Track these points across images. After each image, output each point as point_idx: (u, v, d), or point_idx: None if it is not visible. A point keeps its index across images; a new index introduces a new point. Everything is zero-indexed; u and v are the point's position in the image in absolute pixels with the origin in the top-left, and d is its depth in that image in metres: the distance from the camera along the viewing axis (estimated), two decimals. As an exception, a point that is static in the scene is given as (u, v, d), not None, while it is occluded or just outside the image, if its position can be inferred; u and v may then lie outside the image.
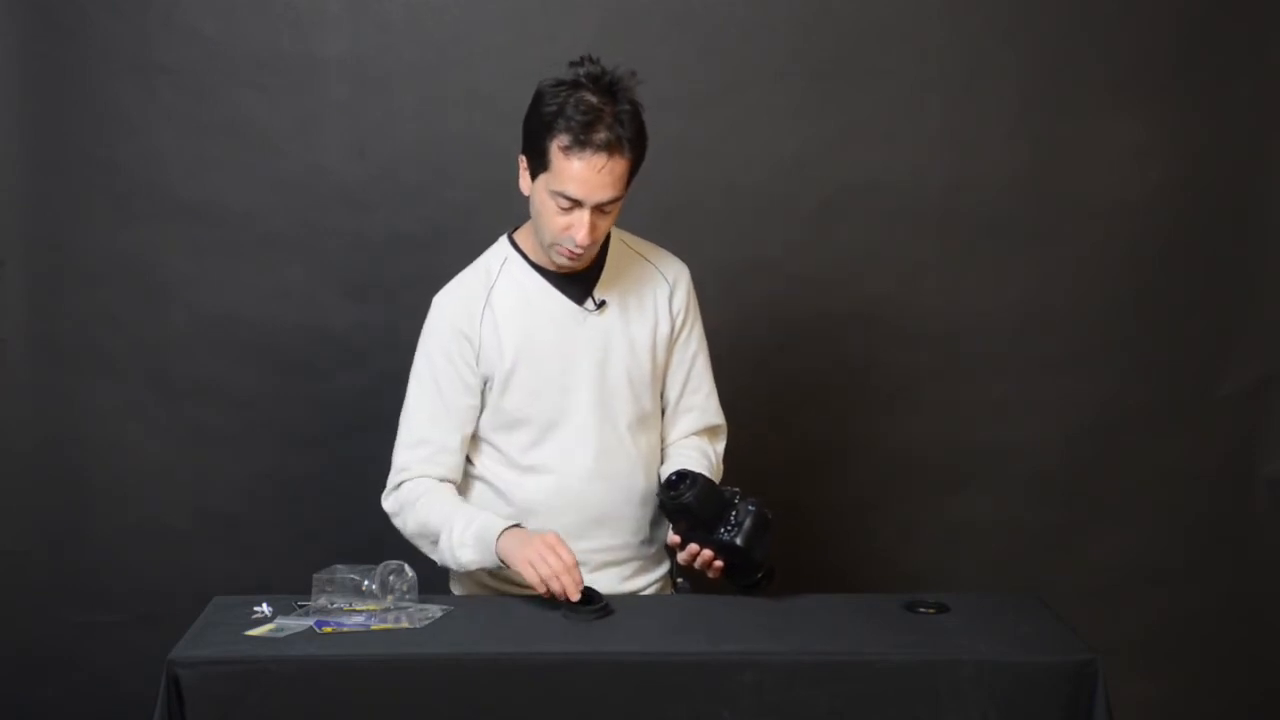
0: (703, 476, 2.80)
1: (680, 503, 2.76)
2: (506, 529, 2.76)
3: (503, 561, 2.76)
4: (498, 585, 2.95)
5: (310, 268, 3.84)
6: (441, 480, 2.91)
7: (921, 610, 2.72)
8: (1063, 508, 3.94)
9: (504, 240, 2.98)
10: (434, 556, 2.89)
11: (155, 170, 3.80)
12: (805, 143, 3.85)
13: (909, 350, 3.90)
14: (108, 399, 3.84)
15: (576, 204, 2.77)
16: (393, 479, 2.94)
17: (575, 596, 2.67)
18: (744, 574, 2.80)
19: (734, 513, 2.76)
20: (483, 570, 2.94)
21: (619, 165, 2.75)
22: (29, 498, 3.86)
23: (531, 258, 2.93)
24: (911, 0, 3.83)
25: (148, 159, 3.80)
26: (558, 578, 2.67)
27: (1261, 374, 3.91)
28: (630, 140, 2.75)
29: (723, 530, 2.74)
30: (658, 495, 2.90)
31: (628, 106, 2.76)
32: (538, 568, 2.69)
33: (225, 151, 3.80)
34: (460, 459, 2.93)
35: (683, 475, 2.80)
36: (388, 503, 2.95)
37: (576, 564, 2.70)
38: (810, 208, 3.86)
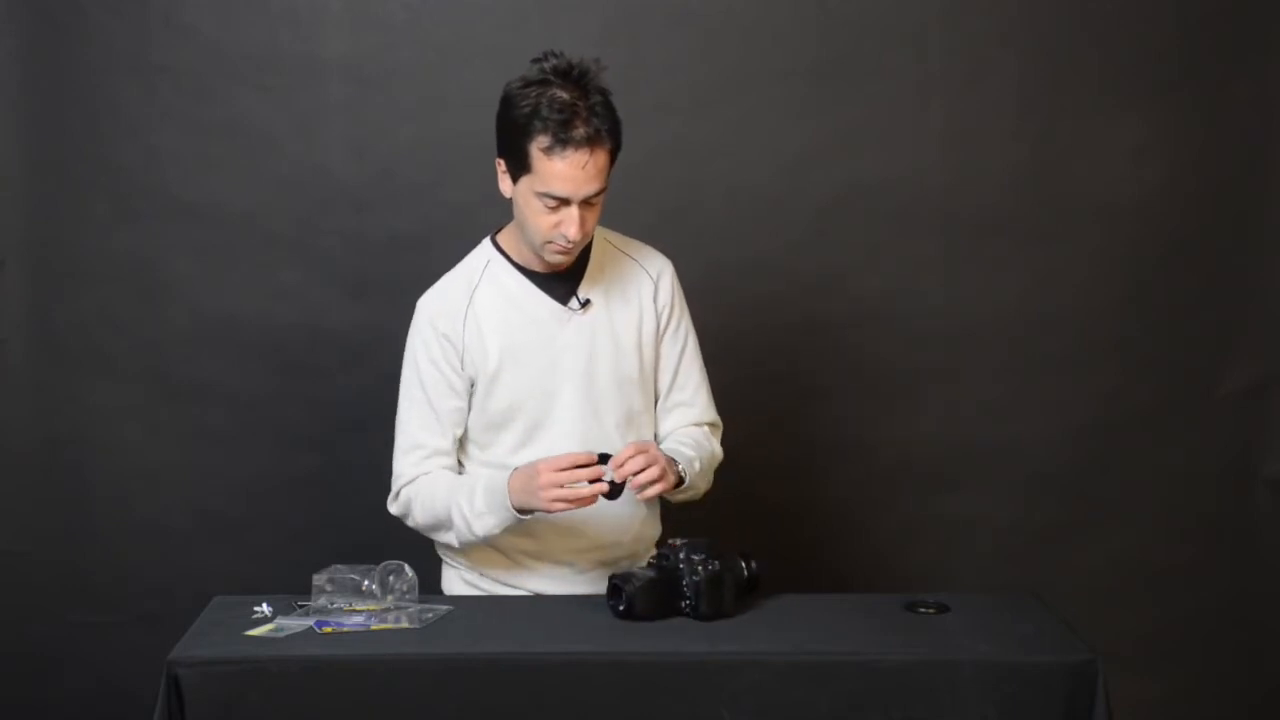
0: (634, 582, 2.66)
1: (627, 616, 2.65)
2: (508, 483, 2.77)
3: (522, 513, 2.75)
4: (492, 586, 2.96)
5: (310, 268, 3.84)
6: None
7: (921, 610, 2.72)
8: (1063, 508, 3.94)
9: (487, 242, 2.97)
10: (452, 541, 2.89)
11: (155, 170, 3.80)
12: (805, 143, 3.85)
13: (909, 350, 3.90)
14: (108, 399, 3.85)
15: (564, 202, 2.75)
16: (394, 485, 2.95)
17: (602, 490, 2.69)
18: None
19: (683, 585, 2.67)
20: (476, 571, 2.95)
21: (601, 158, 2.74)
22: (29, 498, 3.86)
23: (515, 259, 2.92)
24: (911, 0, 3.83)
25: (148, 159, 3.80)
26: (580, 497, 2.69)
27: (1261, 374, 3.91)
28: (609, 131, 2.74)
29: (684, 605, 2.67)
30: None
31: (599, 97, 2.74)
32: (561, 498, 2.70)
33: (225, 151, 3.80)
34: (453, 459, 2.94)
35: (614, 588, 2.67)
36: (393, 508, 2.96)
37: (575, 465, 2.70)
38: (810, 208, 3.86)
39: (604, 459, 2.74)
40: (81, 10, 3.76)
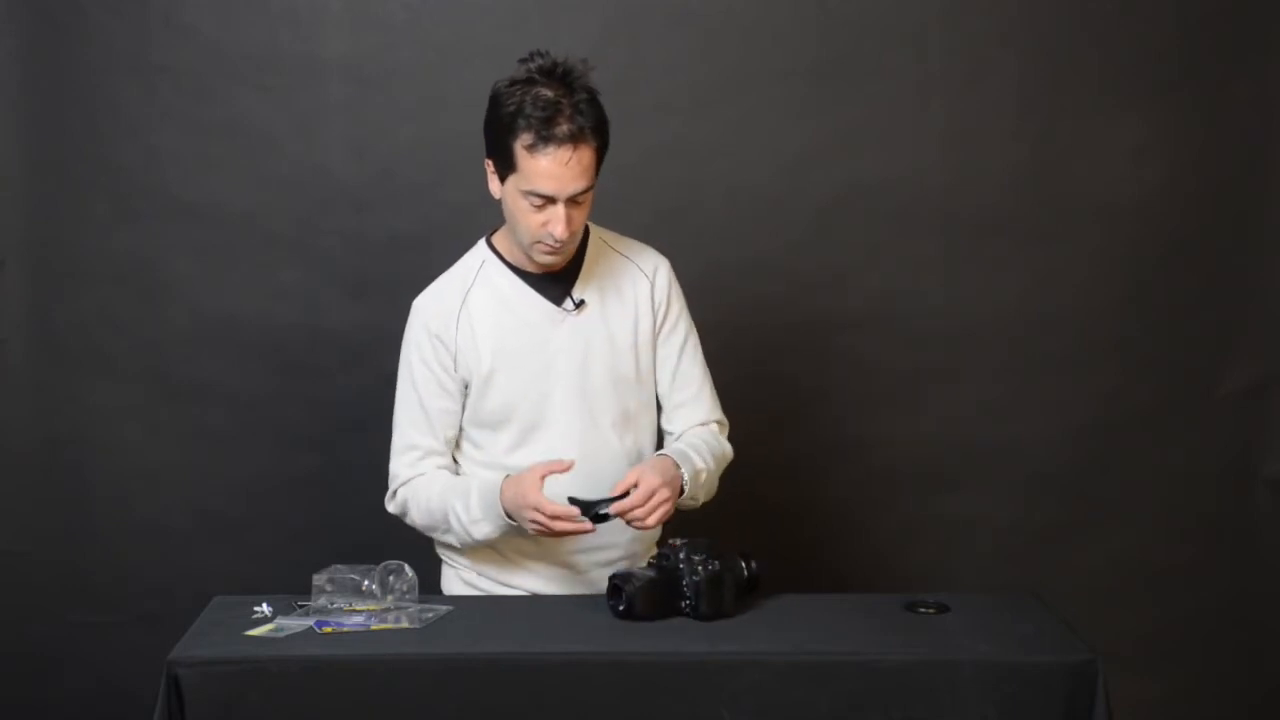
0: (634, 582, 2.65)
1: (627, 616, 2.65)
2: (501, 492, 2.79)
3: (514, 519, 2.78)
4: (491, 586, 2.96)
5: (310, 268, 3.84)
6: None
7: (921, 610, 2.72)
8: (1063, 508, 3.94)
9: (482, 243, 2.97)
10: (453, 541, 2.91)
11: (155, 170, 3.80)
12: (805, 143, 3.85)
13: (909, 350, 3.90)
14: (108, 399, 3.85)
15: (549, 200, 2.75)
16: (390, 485, 2.96)
17: (586, 528, 2.71)
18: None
19: (683, 585, 2.67)
20: (475, 571, 2.96)
21: (585, 155, 2.74)
22: (29, 498, 3.86)
23: (509, 259, 2.92)
24: (911, 0, 3.83)
25: (148, 159, 3.80)
26: (564, 531, 2.71)
27: (1261, 374, 3.91)
28: (593, 128, 2.74)
29: (684, 605, 2.67)
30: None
31: (585, 95, 2.74)
32: (541, 529, 2.73)
33: (225, 151, 3.80)
34: (448, 458, 2.94)
35: (614, 588, 2.67)
36: (391, 507, 2.97)
37: (558, 514, 2.70)
38: (810, 208, 3.86)
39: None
40: (81, 10, 3.76)
